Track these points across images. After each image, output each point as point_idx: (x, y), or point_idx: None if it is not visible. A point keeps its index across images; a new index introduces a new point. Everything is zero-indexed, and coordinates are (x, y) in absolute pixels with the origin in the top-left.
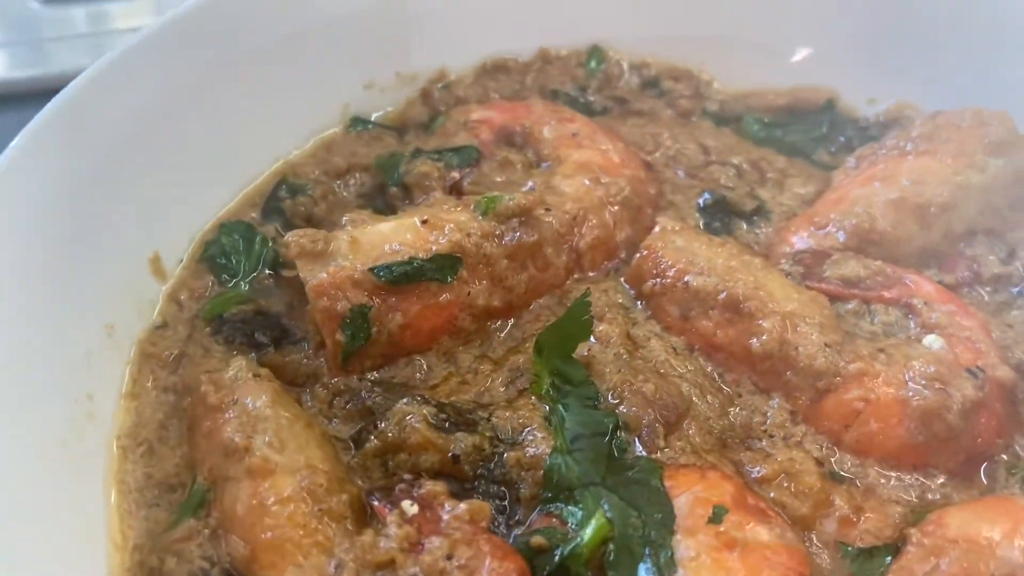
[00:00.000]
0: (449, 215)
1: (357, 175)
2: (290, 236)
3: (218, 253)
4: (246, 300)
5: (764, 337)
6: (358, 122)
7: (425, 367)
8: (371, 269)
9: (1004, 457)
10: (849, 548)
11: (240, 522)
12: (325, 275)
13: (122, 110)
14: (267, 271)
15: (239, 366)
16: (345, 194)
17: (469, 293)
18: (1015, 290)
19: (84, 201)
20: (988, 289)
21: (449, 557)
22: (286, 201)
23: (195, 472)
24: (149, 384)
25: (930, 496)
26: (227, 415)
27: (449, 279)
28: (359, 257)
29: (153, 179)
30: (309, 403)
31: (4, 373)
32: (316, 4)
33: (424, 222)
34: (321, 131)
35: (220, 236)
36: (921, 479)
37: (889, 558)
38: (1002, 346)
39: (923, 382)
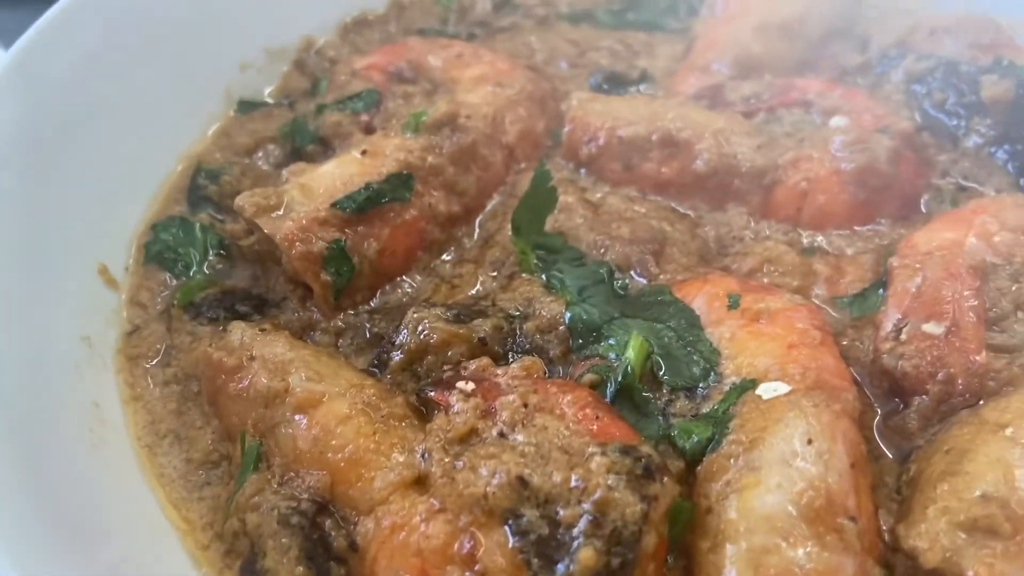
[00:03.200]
0: (384, 141)
1: (266, 147)
2: (240, 199)
3: (163, 249)
4: (209, 284)
5: (706, 156)
6: (246, 104)
7: (412, 285)
8: (333, 204)
9: (927, 195)
10: (844, 299)
11: (308, 455)
12: (291, 222)
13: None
14: (218, 254)
15: (241, 328)
16: (264, 167)
17: (430, 204)
18: (878, 70)
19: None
20: (857, 79)
21: (525, 405)
22: (209, 187)
23: (240, 433)
24: (149, 383)
25: (887, 241)
26: (252, 370)
27: (407, 196)
28: (315, 199)
29: (73, 195)
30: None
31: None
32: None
33: (364, 152)
34: (214, 121)
35: (158, 234)
36: (874, 229)
37: (881, 291)
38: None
39: (848, 149)
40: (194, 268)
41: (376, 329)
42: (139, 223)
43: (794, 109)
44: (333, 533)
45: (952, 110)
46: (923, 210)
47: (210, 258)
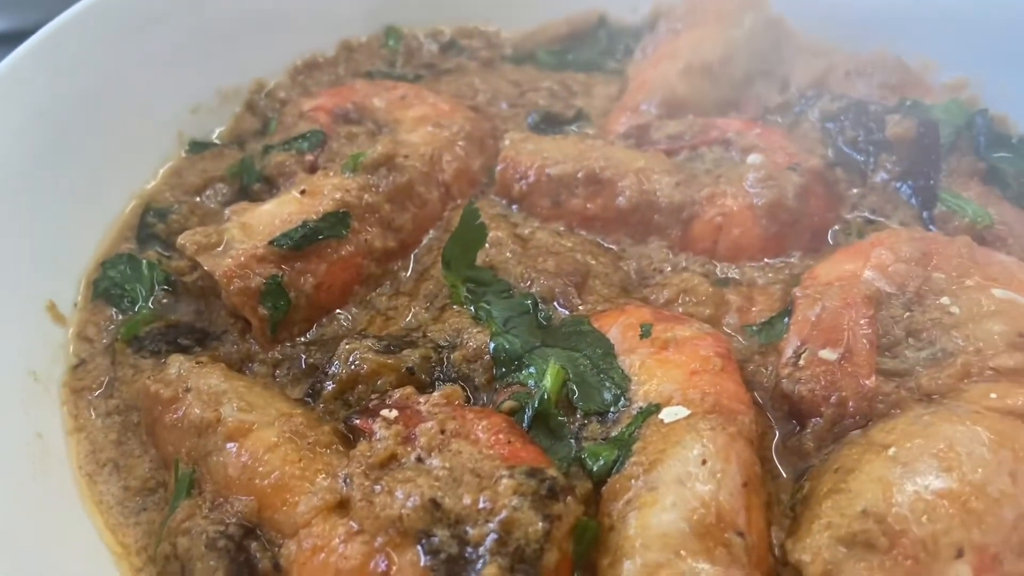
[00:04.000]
0: (323, 181)
1: (215, 187)
2: (182, 238)
3: (111, 286)
4: (155, 319)
5: (628, 193)
6: (197, 145)
7: (348, 318)
8: (271, 242)
9: (837, 227)
10: (753, 327)
11: (237, 482)
12: (230, 260)
13: None
14: (163, 289)
15: (179, 360)
16: (212, 205)
17: (366, 240)
18: (796, 110)
19: None
20: (778, 117)
21: (442, 431)
22: (157, 226)
23: (174, 461)
24: (91, 415)
25: (797, 271)
26: (187, 401)
27: (344, 232)
28: (254, 237)
29: (23, 234)
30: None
31: None
32: (126, 44)
33: (303, 192)
34: (166, 160)
35: (106, 271)
36: (785, 261)
37: (786, 319)
38: (804, 151)
39: (760, 185)
40: (140, 303)
41: (311, 360)
42: (88, 261)
43: (714, 147)
44: (259, 555)
45: (862, 147)
46: (831, 242)
47: (156, 293)
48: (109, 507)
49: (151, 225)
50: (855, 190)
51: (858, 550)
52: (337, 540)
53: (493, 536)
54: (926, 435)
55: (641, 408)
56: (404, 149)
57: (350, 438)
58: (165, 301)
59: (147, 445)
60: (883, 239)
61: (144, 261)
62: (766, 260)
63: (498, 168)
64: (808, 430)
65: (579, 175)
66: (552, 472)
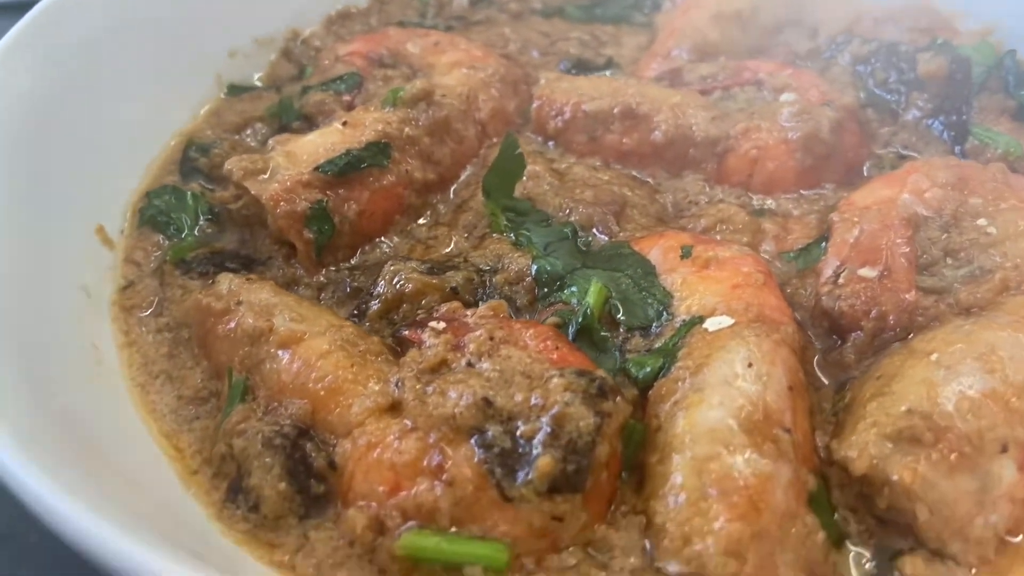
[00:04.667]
0: (363, 114)
1: (254, 126)
2: (229, 163)
3: (157, 214)
4: (200, 245)
5: (663, 127)
6: (235, 88)
7: (390, 245)
8: (316, 168)
9: (869, 163)
10: (790, 254)
11: (291, 387)
12: (276, 184)
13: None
14: (208, 219)
15: (229, 278)
16: (252, 143)
17: (407, 171)
18: (827, 55)
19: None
20: (808, 62)
21: (491, 339)
22: (200, 160)
23: (227, 370)
24: (142, 331)
25: (831, 203)
26: (239, 312)
27: (385, 162)
28: (299, 164)
29: (74, 162)
30: None
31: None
32: None
33: (344, 124)
34: (205, 102)
35: (152, 201)
36: (819, 192)
37: (824, 243)
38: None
39: (795, 120)
40: (185, 231)
41: (356, 284)
42: (134, 191)
43: (747, 87)
44: (313, 454)
45: (893, 87)
46: (865, 175)
47: (201, 223)
48: (162, 415)
49: (194, 159)
50: (886, 128)
51: (904, 445)
52: (392, 437)
53: (546, 430)
54: (968, 341)
55: (684, 320)
56: (441, 89)
57: (398, 351)
58: (209, 231)
59: (199, 358)
60: (919, 166)
61: (188, 192)
62: (801, 192)
63: (534, 105)
64: (848, 343)
65: (615, 111)
66: (601, 373)
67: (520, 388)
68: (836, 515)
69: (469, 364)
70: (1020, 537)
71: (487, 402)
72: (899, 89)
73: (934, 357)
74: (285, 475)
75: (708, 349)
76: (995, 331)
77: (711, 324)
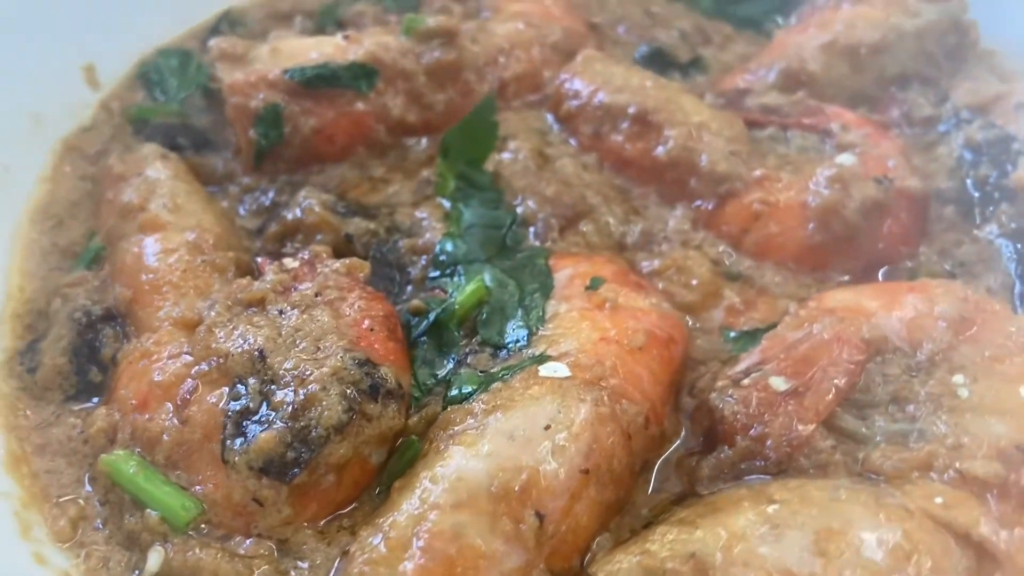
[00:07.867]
0: (371, 34)
1: (299, 19)
2: (214, 40)
3: (153, 71)
4: (175, 114)
5: (670, 144)
6: None
7: (339, 174)
8: (284, 71)
9: (909, 264)
10: (732, 332)
11: (127, 270)
12: (240, 75)
13: None
14: (200, 93)
15: (152, 148)
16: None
17: (385, 104)
18: (942, 128)
19: None
20: (918, 130)
21: (317, 295)
22: (225, 34)
23: (91, 232)
24: (68, 170)
25: None
26: (130, 183)
27: (364, 88)
28: (277, 63)
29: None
30: (223, 201)
31: None
32: None
33: (346, 37)
34: None
35: (158, 58)
36: (821, 278)
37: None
38: (926, 174)
39: (824, 184)
40: (170, 97)
41: (277, 199)
42: (151, 46)
43: (809, 134)
44: (107, 341)
45: (989, 190)
46: (879, 279)
47: (191, 92)
48: (31, 253)
49: (219, 31)
50: (953, 234)
51: None
52: (165, 353)
53: (290, 407)
54: (825, 509)
55: (533, 355)
56: (481, 36)
57: (255, 274)
58: (196, 103)
59: (94, 216)
60: (927, 286)
61: (195, 61)
62: (796, 271)
63: (557, 81)
64: (711, 456)
65: (629, 110)
66: (387, 373)
67: (303, 353)
68: None
69: (280, 312)
70: None
71: (261, 354)
72: (992, 194)
73: (771, 509)
74: (69, 351)
75: (520, 393)
76: (869, 512)
77: (545, 370)
